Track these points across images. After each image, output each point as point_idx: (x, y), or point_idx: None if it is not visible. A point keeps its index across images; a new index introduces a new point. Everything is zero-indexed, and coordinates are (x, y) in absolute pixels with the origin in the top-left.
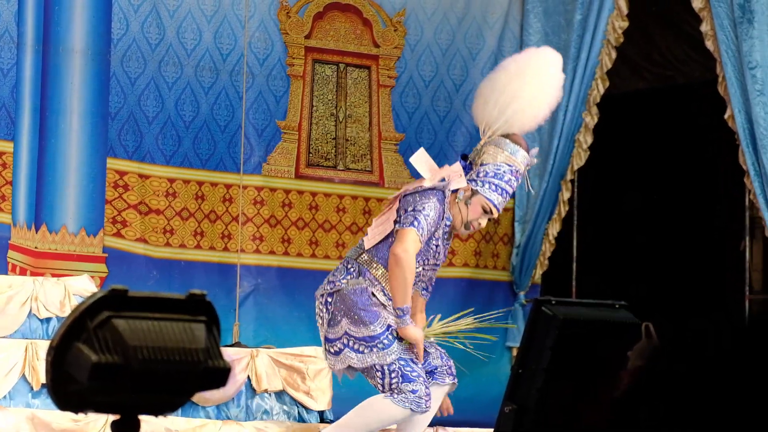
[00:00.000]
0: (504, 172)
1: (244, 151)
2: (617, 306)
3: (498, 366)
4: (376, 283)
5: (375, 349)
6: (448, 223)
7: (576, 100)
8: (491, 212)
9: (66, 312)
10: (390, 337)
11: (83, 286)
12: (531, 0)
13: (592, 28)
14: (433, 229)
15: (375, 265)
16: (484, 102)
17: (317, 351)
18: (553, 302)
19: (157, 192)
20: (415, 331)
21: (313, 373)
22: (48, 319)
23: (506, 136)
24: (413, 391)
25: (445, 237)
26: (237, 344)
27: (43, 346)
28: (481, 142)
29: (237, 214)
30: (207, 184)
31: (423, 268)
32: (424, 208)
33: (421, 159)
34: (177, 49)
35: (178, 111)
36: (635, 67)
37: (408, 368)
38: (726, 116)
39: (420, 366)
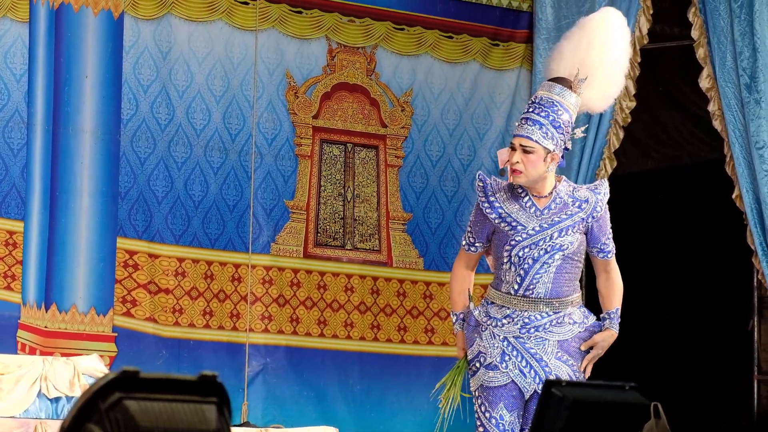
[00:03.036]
0: (526, 105)
1: (252, 231)
2: (627, 387)
3: None
4: (482, 302)
5: (471, 374)
6: (524, 199)
7: (584, 180)
8: (514, 147)
9: (75, 392)
10: (476, 365)
11: (93, 366)
12: (539, 80)
13: None
14: (479, 227)
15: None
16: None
17: (326, 431)
18: (563, 384)
19: (166, 271)
20: (458, 339)
21: None
22: (57, 399)
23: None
24: None
25: (540, 212)
26: (246, 424)
27: (52, 425)
28: None
29: (246, 294)
30: (216, 264)
31: (509, 252)
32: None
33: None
34: (186, 128)
35: (187, 191)
36: (642, 147)
37: (479, 416)
38: (734, 196)
39: (497, 413)
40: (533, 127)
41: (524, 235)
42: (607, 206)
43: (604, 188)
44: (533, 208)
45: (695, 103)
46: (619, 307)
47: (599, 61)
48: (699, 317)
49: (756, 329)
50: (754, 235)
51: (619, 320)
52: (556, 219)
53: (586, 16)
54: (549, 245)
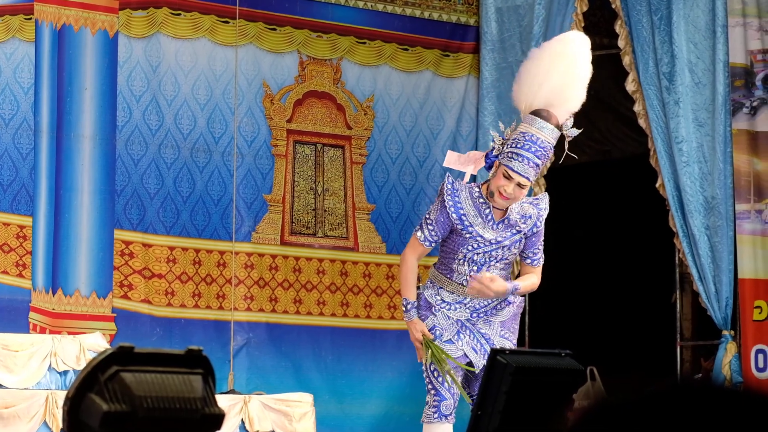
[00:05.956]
0: (527, 141)
1: (235, 222)
2: (563, 354)
3: (459, 409)
4: (429, 285)
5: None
6: (484, 210)
7: None
8: (509, 177)
9: (81, 365)
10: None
11: (96, 342)
12: (485, 86)
13: None
14: (442, 224)
15: (434, 267)
16: (519, 86)
17: (302, 396)
18: (507, 352)
19: (159, 259)
20: (413, 327)
21: (299, 416)
22: (65, 372)
23: (537, 113)
24: (426, 403)
25: (495, 225)
26: (232, 391)
27: (61, 395)
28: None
29: (230, 277)
30: (203, 251)
31: (465, 254)
32: (429, 212)
33: (450, 161)
34: (174, 133)
35: (176, 187)
36: (578, 144)
37: (430, 380)
38: (657, 185)
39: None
40: (532, 170)
41: (482, 244)
42: (544, 221)
43: (545, 203)
44: (491, 222)
45: (623, 104)
46: (521, 288)
47: (568, 84)
48: (628, 292)
49: (678, 301)
50: (675, 219)
51: (517, 291)
52: (508, 233)
53: (525, 30)
54: (500, 254)
